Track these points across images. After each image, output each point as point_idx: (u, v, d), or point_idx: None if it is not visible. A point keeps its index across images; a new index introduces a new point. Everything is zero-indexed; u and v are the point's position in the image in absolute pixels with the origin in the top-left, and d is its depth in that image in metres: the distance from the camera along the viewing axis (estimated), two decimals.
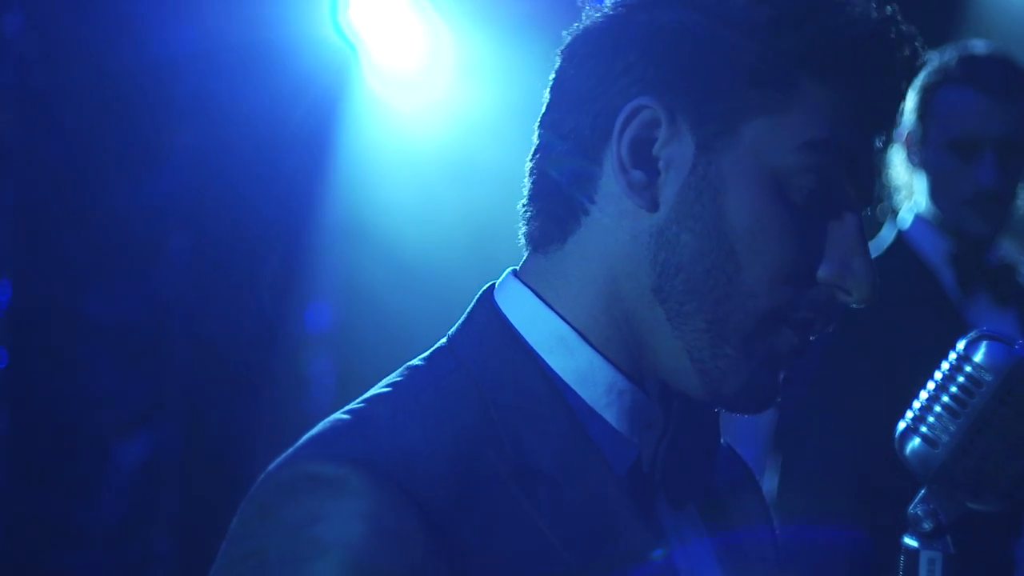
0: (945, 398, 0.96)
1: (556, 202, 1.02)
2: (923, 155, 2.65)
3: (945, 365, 0.97)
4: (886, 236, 2.72)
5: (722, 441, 1.12)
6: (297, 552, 0.87)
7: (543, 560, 0.92)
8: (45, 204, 4.34)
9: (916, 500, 0.97)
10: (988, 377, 0.95)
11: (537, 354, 0.99)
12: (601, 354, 0.99)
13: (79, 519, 4.13)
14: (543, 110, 1.05)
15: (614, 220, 1.00)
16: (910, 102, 2.64)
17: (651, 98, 0.98)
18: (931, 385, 0.97)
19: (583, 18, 1.04)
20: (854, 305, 1.00)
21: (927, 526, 0.96)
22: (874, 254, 2.97)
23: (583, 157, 1.01)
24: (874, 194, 1.03)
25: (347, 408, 0.96)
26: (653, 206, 0.98)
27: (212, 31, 4.47)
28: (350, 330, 4.82)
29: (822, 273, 0.99)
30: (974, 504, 0.97)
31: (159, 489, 4.25)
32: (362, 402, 0.97)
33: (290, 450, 0.94)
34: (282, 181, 4.87)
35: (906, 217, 2.71)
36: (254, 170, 4.55)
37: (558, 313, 1.00)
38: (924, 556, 0.96)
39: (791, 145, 0.97)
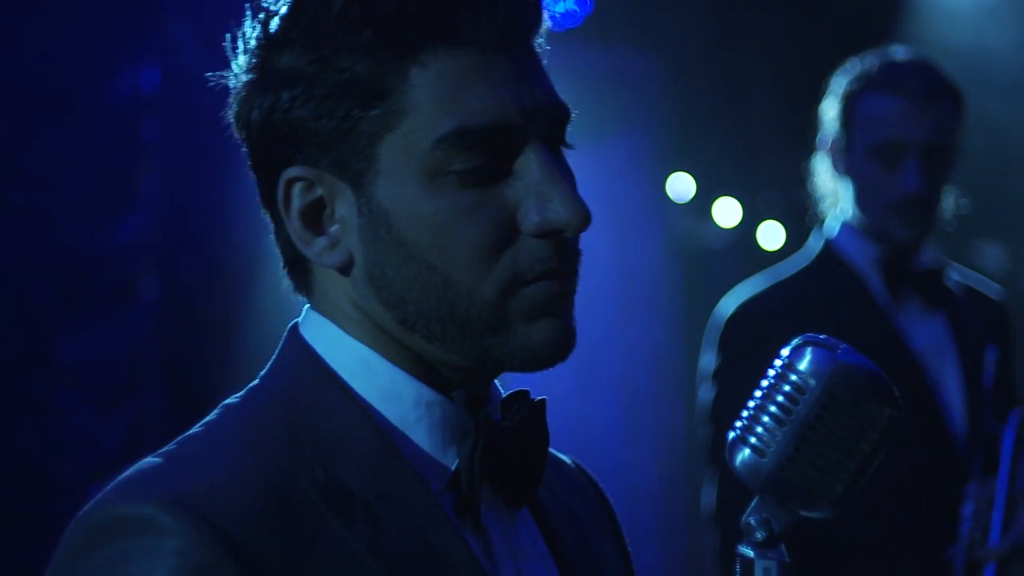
0: (772, 407, 0.96)
1: (289, 264, 1.05)
2: (847, 162, 2.66)
3: (772, 373, 0.97)
4: (813, 245, 2.73)
5: (569, 459, 1.12)
6: None
7: None
8: (13, 247, 4.35)
9: (749, 509, 0.97)
10: (812, 383, 0.95)
11: (343, 380, 1.00)
12: (404, 370, 1.01)
13: None
14: None
15: (333, 278, 1.03)
16: (833, 110, 2.66)
17: (296, 167, 1.00)
18: (758, 394, 0.97)
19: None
20: (572, 233, 0.99)
21: (760, 535, 0.96)
22: (802, 264, 2.97)
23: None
24: (542, 93, 1.01)
25: (159, 451, 0.98)
26: (349, 261, 1.00)
27: (179, 70, 4.49)
28: None
29: (526, 226, 0.99)
30: (808, 512, 0.97)
31: None
32: (174, 444, 1.00)
33: (99, 494, 0.96)
34: (252, 219, 4.90)
35: (833, 225, 2.72)
36: (224, 208, 4.57)
37: (356, 337, 1.02)
38: (759, 565, 0.96)
39: (427, 146, 0.97)
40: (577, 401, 7.72)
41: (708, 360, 2.65)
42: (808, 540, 2.31)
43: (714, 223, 5.21)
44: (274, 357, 1.05)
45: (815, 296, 2.58)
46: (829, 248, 2.67)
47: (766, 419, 0.95)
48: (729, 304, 2.68)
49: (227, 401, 1.03)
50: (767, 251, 5.13)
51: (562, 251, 1.00)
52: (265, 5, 1.02)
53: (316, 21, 0.98)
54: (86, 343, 4.71)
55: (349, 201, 0.99)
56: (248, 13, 1.03)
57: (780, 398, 0.95)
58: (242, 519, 0.91)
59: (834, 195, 2.70)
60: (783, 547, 0.96)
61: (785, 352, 0.97)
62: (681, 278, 5.29)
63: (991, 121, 4.15)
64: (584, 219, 0.98)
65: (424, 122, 0.97)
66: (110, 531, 0.91)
